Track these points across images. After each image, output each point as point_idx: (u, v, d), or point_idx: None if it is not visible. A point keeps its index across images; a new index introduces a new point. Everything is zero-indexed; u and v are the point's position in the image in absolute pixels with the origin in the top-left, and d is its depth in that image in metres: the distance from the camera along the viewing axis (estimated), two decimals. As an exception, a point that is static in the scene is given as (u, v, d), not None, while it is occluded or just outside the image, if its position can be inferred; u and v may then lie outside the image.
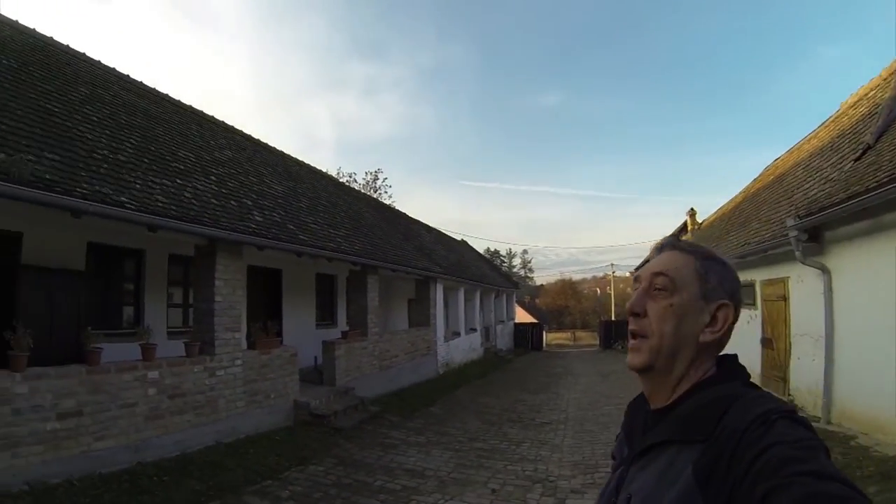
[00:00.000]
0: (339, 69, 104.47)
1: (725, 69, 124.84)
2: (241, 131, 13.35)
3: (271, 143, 14.50)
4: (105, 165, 6.66)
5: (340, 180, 25.79)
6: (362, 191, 30.31)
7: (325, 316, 13.65)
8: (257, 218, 8.43)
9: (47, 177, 5.59)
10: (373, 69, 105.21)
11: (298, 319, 12.12)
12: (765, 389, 0.96)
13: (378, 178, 39.18)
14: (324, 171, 19.14)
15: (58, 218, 5.99)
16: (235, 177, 9.77)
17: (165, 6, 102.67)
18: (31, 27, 9.01)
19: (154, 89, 11.00)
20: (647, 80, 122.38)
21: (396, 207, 25.45)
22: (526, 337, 30.69)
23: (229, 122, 13.09)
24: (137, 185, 6.73)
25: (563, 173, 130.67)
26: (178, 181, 7.69)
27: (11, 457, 4.88)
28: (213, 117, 12.54)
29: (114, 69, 10.30)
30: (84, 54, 9.79)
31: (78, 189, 5.77)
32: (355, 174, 39.42)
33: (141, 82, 10.76)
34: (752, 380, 0.97)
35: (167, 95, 11.28)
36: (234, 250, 7.61)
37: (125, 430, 5.94)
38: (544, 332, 36.14)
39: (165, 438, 6.39)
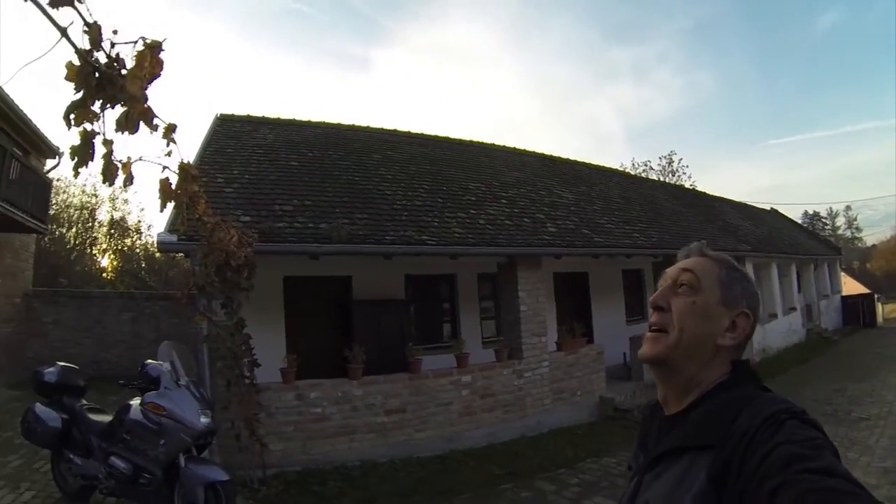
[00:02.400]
0: (602, 61, 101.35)
1: None
2: (526, 150, 13.79)
3: (558, 153, 14.63)
4: (405, 213, 7.51)
5: (634, 172, 24.88)
6: (658, 178, 28.76)
7: (635, 311, 12.97)
8: (550, 229, 8.53)
9: (360, 233, 6.60)
10: (635, 50, 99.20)
11: (607, 317, 11.84)
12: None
13: (672, 161, 36.55)
14: (615, 167, 18.68)
15: (376, 261, 7.14)
16: (526, 195, 10.04)
17: (421, 60, 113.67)
18: (321, 120, 10.77)
19: (436, 136, 12.07)
20: None
21: (696, 188, 23.53)
22: (856, 311, 24.56)
23: (515, 145, 13.64)
24: (435, 223, 7.45)
25: (879, 99, 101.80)
26: (472, 211, 8.23)
27: (349, 441, 6.43)
28: (497, 145, 13.22)
29: (396, 130, 11.59)
30: (369, 126, 11.29)
31: (386, 237, 6.67)
32: (649, 162, 37.30)
33: (423, 134, 11.90)
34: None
35: (447, 138, 12.20)
36: (531, 263, 7.92)
37: (441, 424, 6.96)
38: (879, 304, 27.96)
39: (475, 431, 7.16)
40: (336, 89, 79.82)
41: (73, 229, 19.22)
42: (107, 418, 4.82)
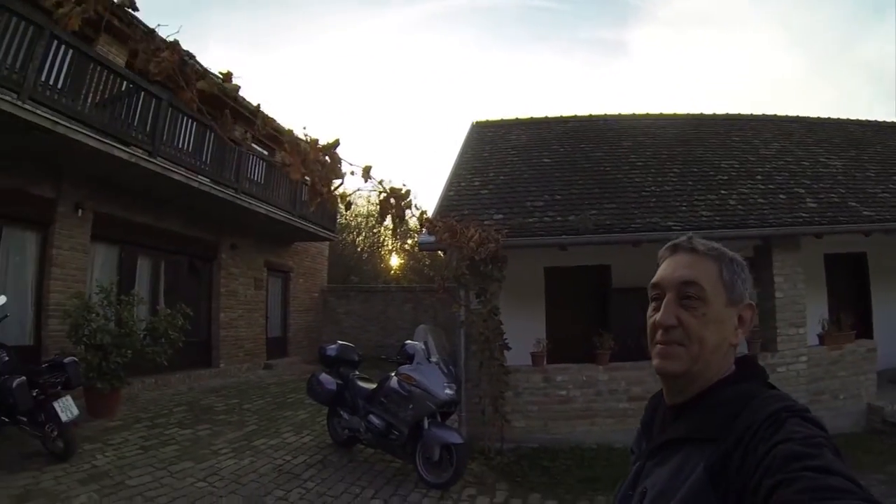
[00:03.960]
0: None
1: None
2: (788, 117, 12.67)
3: (827, 115, 13.10)
4: (653, 199, 7.88)
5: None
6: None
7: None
8: (810, 204, 7.98)
9: (607, 222, 7.22)
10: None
11: (893, 307, 9.97)
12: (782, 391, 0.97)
13: None
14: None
15: (632, 249, 7.26)
16: (785, 168, 9.45)
17: (673, 33, 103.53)
18: (572, 115, 11.49)
19: (688, 115, 11.82)
20: None
21: None
22: None
23: (777, 112, 12.59)
24: (683, 208, 7.66)
25: None
26: (723, 191, 8.17)
27: (590, 424, 6.88)
28: (754, 115, 12.37)
29: (647, 114, 11.70)
30: (619, 114, 11.63)
31: (632, 225, 7.18)
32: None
33: (675, 114, 11.80)
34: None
35: (700, 115, 11.90)
36: (788, 244, 7.49)
37: (687, 413, 7.01)
38: None
39: None
40: (593, 78, 78.47)
41: (362, 235, 23.51)
42: (372, 385, 6.19)
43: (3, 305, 6.33)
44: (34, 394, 5.21)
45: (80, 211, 8.55)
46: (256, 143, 12.58)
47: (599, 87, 79.02)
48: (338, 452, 6.41)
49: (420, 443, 5.29)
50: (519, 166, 9.29)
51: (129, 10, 2.36)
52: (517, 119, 11.69)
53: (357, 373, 6.61)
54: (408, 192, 4.75)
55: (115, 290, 7.73)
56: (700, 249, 1.04)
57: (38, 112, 6.51)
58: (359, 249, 23.83)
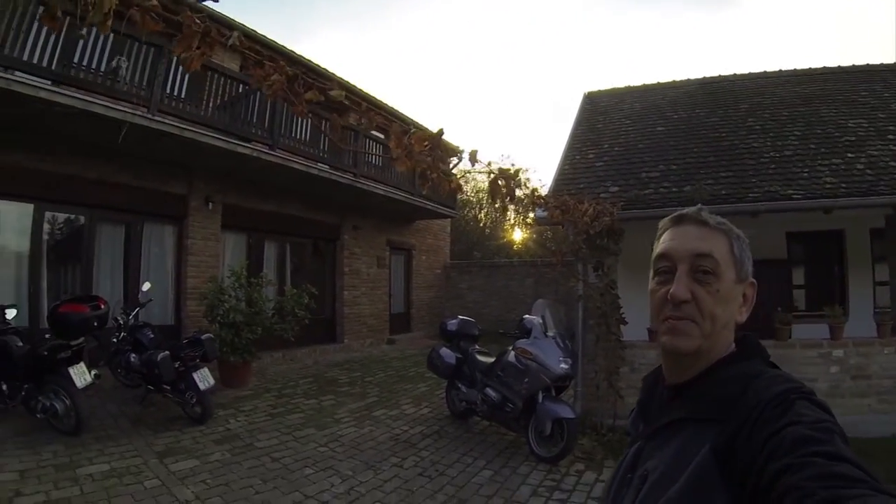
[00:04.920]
0: None
1: None
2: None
3: None
4: (773, 166, 7.42)
5: None
6: None
7: None
8: None
9: (723, 192, 6.92)
10: None
11: None
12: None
13: None
14: None
15: (750, 220, 6.62)
16: None
17: None
18: (685, 78, 11.01)
19: (810, 69, 10.75)
20: None
21: None
22: None
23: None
24: (805, 174, 7.12)
25: None
26: (849, 155, 7.50)
27: None
28: (887, 65, 11.02)
29: (765, 72, 10.87)
30: (735, 74, 10.90)
31: (749, 194, 6.82)
32: None
33: (796, 70, 10.77)
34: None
35: (824, 69, 10.68)
36: None
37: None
38: None
39: (840, 420, 6.01)
40: (705, 36, 72.65)
41: (484, 210, 23.70)
42: (490, 359, 6.30)
43: (147, 291, 7.17)
44: (176, 366, 5.96)
45: (210, 204, 9.42)
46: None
47: (712, 45, 73.65)
48: (454, 424, 6.67)
49: (533, 416, 5.38)
50: (633, 136, 9.11)
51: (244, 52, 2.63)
52: (629, 87, 11.38)
53: (477, 347, 6.77)
54: (517, 171, 4.84)
55: (244, 274, 8.46)
56: (710, 223, 0.99)
57: (166, 121, 7.32)
58: (481, 224, 24.11)
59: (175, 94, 7.89)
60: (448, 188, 4.10)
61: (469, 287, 17.09)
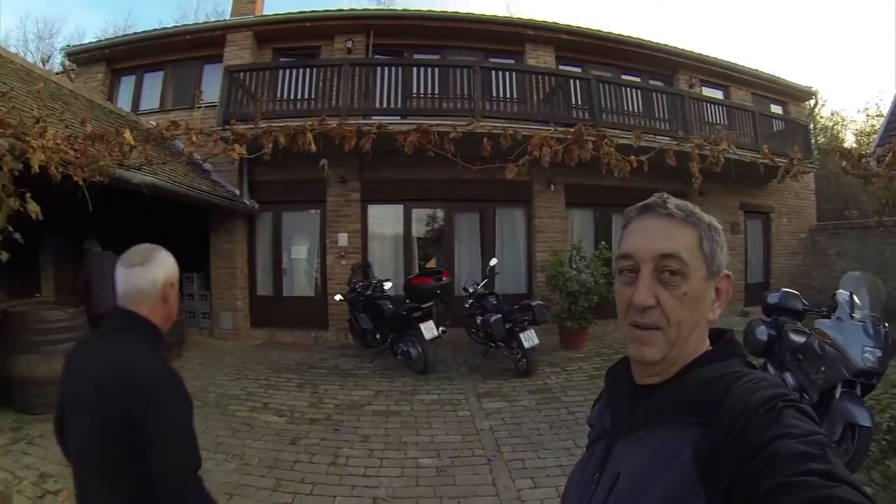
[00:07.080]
0: None
1: None
2: None
3: None
4: None
5: None
6: None
7: None
8: None
9: None
10: None
11: None
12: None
13: None
14: None
15: None
16: None
17: None
18: None
19: None
20: None
21: None
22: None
23: None
24: None
25: None
26: None
27: None
28: None
29: None
30: None
31: None
32: None
33: None
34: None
35: None
36: None
37: None
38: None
39: None
40: None
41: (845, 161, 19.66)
42: (802, 339, 5.10)
43: (494, 265, 8.73)
44: (507, 326, 7.19)
45: (552, 186, 10.57)
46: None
47: None
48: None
49: (827, 416, 4.36)
50: None
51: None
52: None
53: (799, 324, 5.64)
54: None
55: (582, 246, 9.37)
56: (677, 214, 0.93)
57: (492, 123, 8.76)
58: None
59: (502, 97, 9.47)
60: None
61: (838, 253, 13.75)
